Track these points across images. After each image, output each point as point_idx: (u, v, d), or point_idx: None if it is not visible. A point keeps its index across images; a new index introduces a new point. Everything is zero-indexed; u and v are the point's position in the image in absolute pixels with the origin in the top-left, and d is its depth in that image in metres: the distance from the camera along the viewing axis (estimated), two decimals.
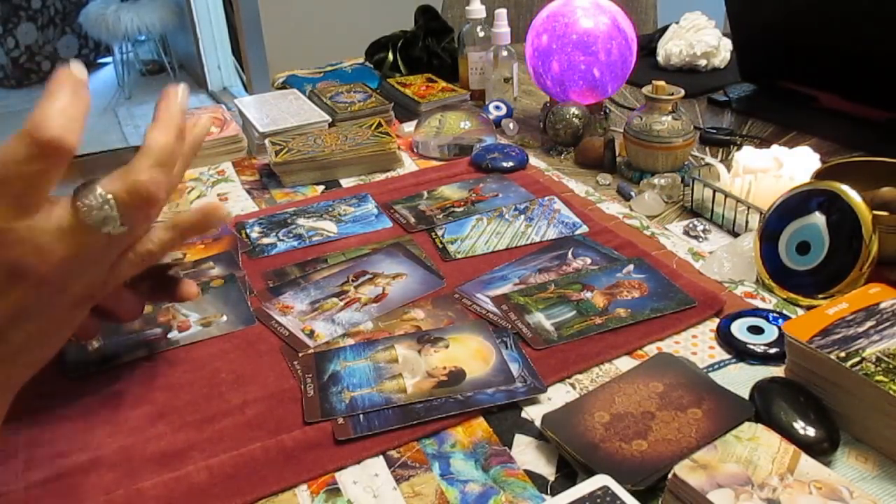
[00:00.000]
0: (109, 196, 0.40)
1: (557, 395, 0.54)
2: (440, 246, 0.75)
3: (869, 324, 0.49)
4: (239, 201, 0.88)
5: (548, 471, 0.48)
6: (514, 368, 0.56)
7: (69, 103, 0.38)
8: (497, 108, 1.10)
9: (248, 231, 0.80)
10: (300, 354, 0.59)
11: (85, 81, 0.39)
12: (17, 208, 0.38)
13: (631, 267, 0.68)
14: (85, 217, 0.39)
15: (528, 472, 0.48)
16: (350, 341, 0.61)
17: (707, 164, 0.84)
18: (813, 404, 0.48)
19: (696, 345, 0.59)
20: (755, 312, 0.61)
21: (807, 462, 0.41)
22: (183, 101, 0.45)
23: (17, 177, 0.37)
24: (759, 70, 1.14)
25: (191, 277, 0.68)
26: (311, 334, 0.62)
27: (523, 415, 0.52)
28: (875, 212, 0.60)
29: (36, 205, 0.38)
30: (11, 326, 0.41)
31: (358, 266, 0.72)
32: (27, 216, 0.38)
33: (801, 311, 0.62)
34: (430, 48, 1.30)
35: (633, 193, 0.84)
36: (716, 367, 0.56)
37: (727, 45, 1.26)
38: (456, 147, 0.97)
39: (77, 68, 0.39)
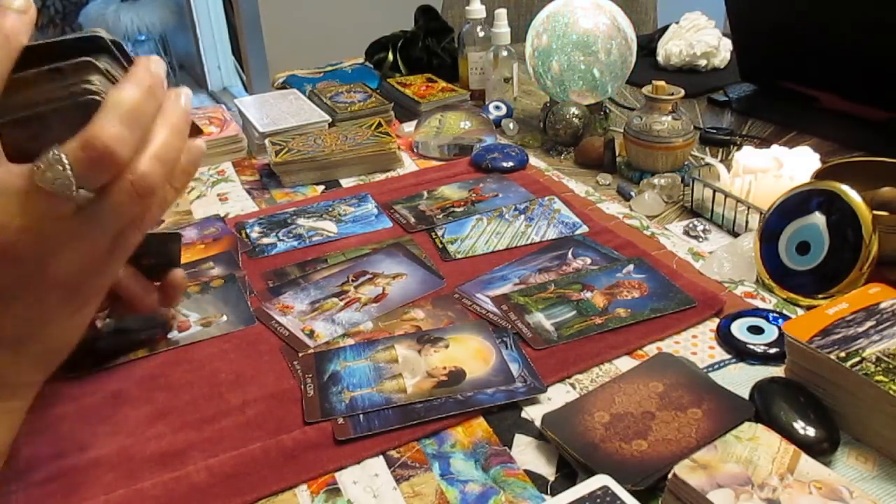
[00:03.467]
0: (62, 155, 0.36)
1: (557, 395, 0.54)
2: (440, 246, 0.75)
3: (869, 324, 0.49)
4: (239, 201, 0.88)
5: (548, 471, 0.48)
6: (514, 368, 0.56)
7: None
8: (497, 108, 1.10)
9: (248, 231, 0.80)
10: (300, 354, 0.59)
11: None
12: None
13: (631, 267, 0.68)
14: (38, 179, 0.36)
15: (528, 472, 0.48)
16: (350, 341, 0.61)
17: (707, 164, 0.84)
18: (813, 404, 0.48)
19: (696, 345, 0.59)
20: (755, 312, 0.61)
21: (807, 462, 0.41)
22: (158, 67, 0.41)
23: None
24: (759, 70, 1.14)
25: (191, 277, 0.69)
26: (311, 334, 0.62)
27: (523, 415, 0.52)
28: (875, 212, 0.60)
29: None
30: None
31: (358, 266, 0.71)
32: None
33: (801, 311, 0.62)
34: (430, 48, 1.30)
35: (633, 193, 0.84)
36: (716, 367, 0.56)
37: (727, 45, 1.26)
38: (456, 147, 0.97)
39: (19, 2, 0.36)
